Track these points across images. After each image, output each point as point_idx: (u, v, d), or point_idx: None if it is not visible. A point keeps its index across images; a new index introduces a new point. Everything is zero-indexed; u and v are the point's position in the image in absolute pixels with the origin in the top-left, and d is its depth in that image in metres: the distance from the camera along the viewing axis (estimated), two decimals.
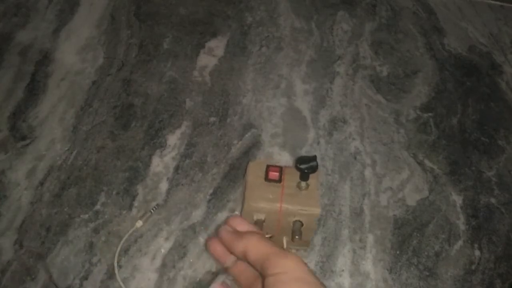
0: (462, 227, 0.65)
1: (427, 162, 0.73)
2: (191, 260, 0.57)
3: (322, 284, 0.30)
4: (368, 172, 0.70)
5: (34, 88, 0.75)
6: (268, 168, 0.54)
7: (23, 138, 0.68)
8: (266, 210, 0.52)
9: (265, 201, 0.52)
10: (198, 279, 0.56)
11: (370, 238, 0.62)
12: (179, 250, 0.58)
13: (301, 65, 0.86)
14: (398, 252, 0.62)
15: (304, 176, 0.52)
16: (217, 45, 0.87)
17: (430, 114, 0.80)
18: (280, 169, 0.54)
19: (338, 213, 0.65)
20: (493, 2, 1.09)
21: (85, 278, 0.55)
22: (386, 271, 0.59)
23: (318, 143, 0.73)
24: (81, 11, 0.91)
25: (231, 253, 0.32)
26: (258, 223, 0.52)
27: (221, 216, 0.62)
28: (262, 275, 0.30)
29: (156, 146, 0.69)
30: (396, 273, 0.60)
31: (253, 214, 0.52)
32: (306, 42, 0.90)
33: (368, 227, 0.64)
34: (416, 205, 0.67)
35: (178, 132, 0.72)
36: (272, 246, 0.31)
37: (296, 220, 0.53)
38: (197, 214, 0.62)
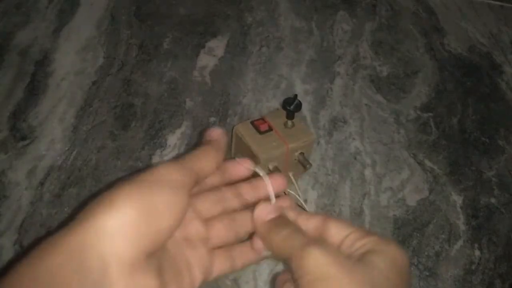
0: (462, 227, 0.65)
1: (427, 162, 0.73)
2: None
3: (349, 271, 0.28)
4: (368, 172, 0.70)
5: (34, 88, 0.75)
6: (254, 123, 0.58)
7: (23, 138, 0.68)
8: (277, 156, 0.57)
9: (274, 149, 0.57)
10: None
11: None
12: None
13: (301, 65, 0.86)
14: None
15: (291, 115, 0.58)
16: (217, 45, 0.87)
17: (430, 114, 0.80)
18: (264, 120, 0.59)
19: (338, 213, 0.65)
20: (493, 2, 1.09)
21: None
22: None
23: (318, 143, 0.73)
24: (81, 11, 0.91)
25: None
26: (276, 170, 0.57)
27: None
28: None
29: (156, 146, 0.69)
30: None
31: (268, 165, 0.57)
32: (306, 42, 0.90)
33: (368, 227, 0.64)
34: (416, 205, 0.67)
35: (178, 132, 0.72)
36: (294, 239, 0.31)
37: (299, 154, 0.59)
38: None
